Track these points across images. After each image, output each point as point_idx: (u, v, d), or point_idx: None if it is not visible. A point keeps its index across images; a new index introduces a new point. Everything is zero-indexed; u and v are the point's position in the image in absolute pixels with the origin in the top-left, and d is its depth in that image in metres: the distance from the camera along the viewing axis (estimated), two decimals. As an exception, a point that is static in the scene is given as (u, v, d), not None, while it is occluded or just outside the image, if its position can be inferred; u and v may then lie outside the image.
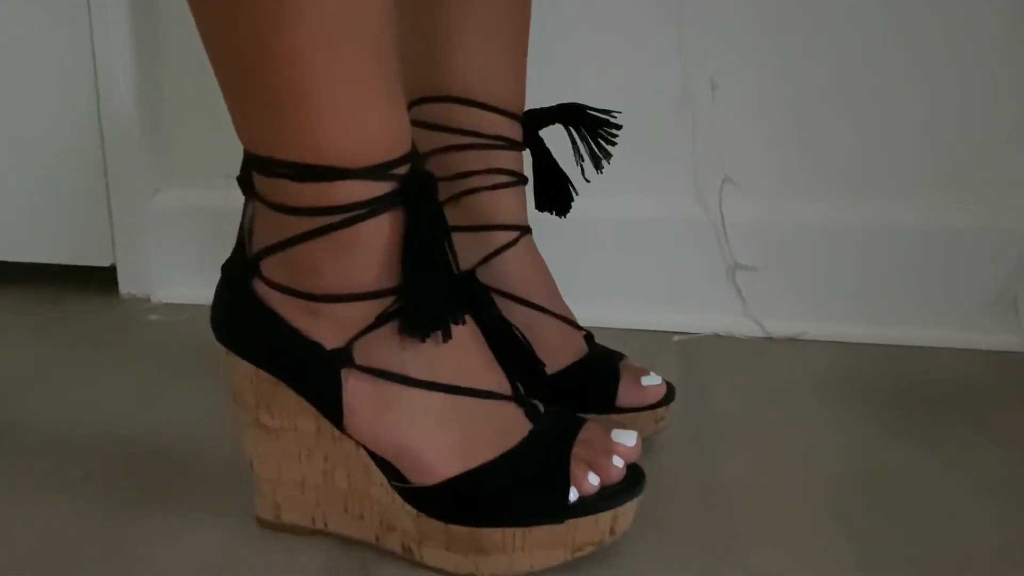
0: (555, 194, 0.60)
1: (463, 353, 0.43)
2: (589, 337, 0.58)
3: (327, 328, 0.42)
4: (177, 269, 0.94)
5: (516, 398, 0.44)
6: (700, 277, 0.83)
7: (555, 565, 0.42)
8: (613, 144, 0.58)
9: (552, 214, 0.61)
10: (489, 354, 0.45)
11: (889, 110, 0.78)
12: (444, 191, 0.55)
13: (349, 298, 0.41)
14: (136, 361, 0.75)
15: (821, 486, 0.51)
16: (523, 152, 0.57)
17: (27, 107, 0.94)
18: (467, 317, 0.44)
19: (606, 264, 0.84)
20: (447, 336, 0.41)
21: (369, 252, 0.41)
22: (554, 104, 0.58)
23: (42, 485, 0.52)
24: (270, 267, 0.43)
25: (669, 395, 0.56)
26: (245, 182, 0.44)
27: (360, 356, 0.42)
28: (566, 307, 0.58)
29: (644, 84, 0.82)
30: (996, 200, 0.78)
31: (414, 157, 0.42)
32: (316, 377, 0.42)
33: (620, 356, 0.58)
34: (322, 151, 0.39)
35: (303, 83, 0.38)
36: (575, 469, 0.42)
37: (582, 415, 0.47)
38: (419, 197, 0.41)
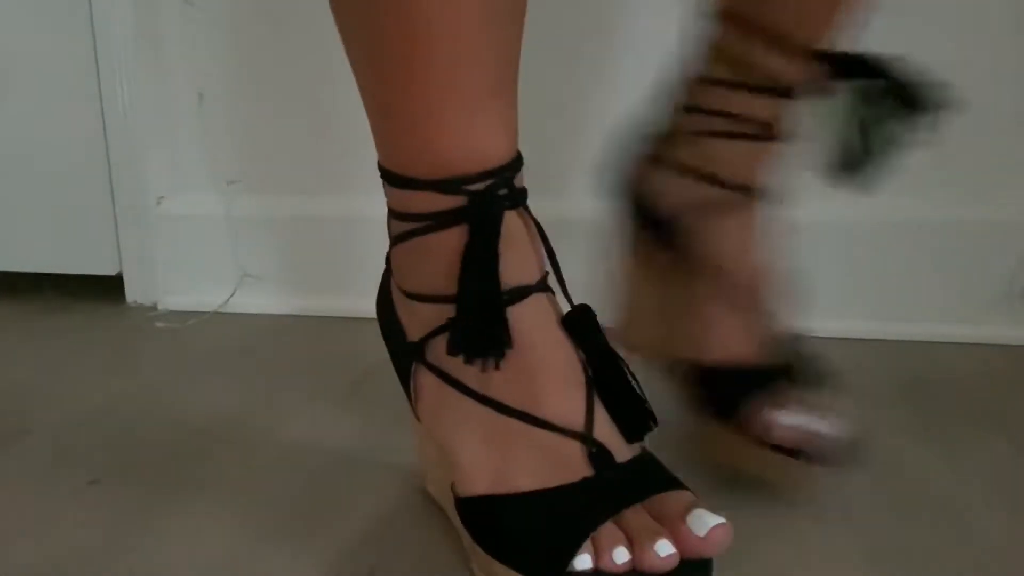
0: (853, 161, 0.50)
1: (526, 373, 0.41)
2: (789, 343, 0.49)
3: (413, 323, 0.45)
4: (183, 276, 0.94)
5: (581, 437, 0.40)
6: (705, 276, 0.82)
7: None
8: (929, 127, 0.48)
9: (847, 188, 0.52)
10: (570, 381, 0.41)
11: (892, 105, 0.78)
12: (695, 124, 0.51)
13: (425, 299, 0.43)
14: (143, 368, 0.76)
15: (829, 484, 0.51)
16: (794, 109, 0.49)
17: (31, 117, 0.94)
18: (559, 337, 0.42)
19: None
20: (485, 365, 0.40)
21: (437, 261, 0.42)
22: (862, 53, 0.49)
23: (50, 491, 0.52)
24: (392, 260, 0.47)
25: (832, 455, 0.45)
26: None
27: (430, 354, 0.44)
28: (775, 302, 0.49)
29: (645, 84, 0.81)
30: (1002, 193, 0.77)
31: (501, 173, 0.41)
32: (401, 363, 0.46)
33: (803, 377, 0.48)
34: (399, 160, 0.42)
35: (384, 96, 0.41)
36: (605, 537, 0.36)
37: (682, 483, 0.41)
38: (478, 218, 0.40)
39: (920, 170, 0.79)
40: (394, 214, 0.44)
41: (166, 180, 0.94)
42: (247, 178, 0.91)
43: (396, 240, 0.44)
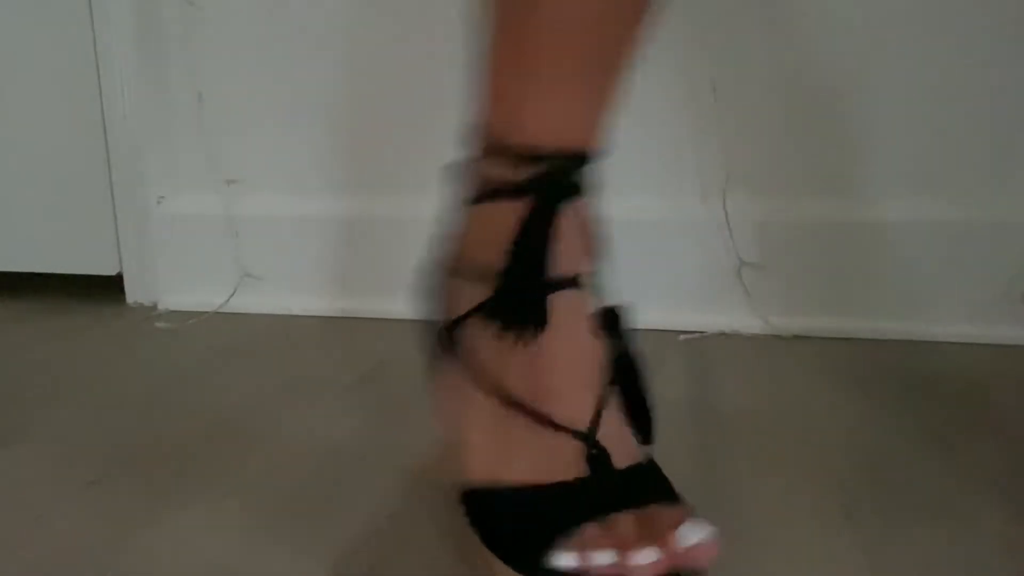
0: None
1: (542, 367, 0.40)
2: None
3: (449, 299, 0.44)
4: (183, 276, 0.94)
5: (582, 436, 0.39)
6: (706, 276, 0.82)
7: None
8: None
9: None
10: (585, 380, 0.41)
11: (894, 106, 0.78)
12: None
13: (467, 275, 0.42)
14: (143, 368, 0.76)
15: (830, 484, 0.51)
16: None
17: (32, 118, 0.94)
18: (584, 336, 0.41)
19: (612, 263, 0.84)
20: (519, 338, 0.40)
21: (489, 233, 0.41)
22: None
23: (50, 491, 0.52)
24: (449, 230, 0.45)
25: None
26: None
27: (457, 337, 0.43)
28: None
29: (645, 85, 0.81)
30: (1003, 194, 0.77)
31: (575, 159, 0.40)
32: (431, 343, 0.45)
33: None
34: (487, 120, 0.41)
35: (493, 53, 0.40)
36: (592, 539, 0.36)
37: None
38: (542, 195, 0.40)
39: (921, 171, 0.79)
40: (467, 179, 0.43)
41: (166, 180, 0.94)
42: (247, 178, 0.91)
43: (458, 206, 0.43)
